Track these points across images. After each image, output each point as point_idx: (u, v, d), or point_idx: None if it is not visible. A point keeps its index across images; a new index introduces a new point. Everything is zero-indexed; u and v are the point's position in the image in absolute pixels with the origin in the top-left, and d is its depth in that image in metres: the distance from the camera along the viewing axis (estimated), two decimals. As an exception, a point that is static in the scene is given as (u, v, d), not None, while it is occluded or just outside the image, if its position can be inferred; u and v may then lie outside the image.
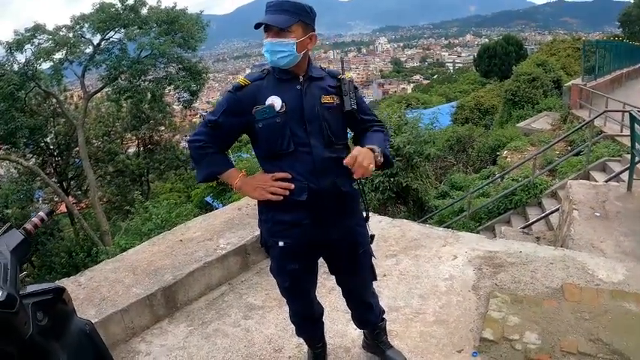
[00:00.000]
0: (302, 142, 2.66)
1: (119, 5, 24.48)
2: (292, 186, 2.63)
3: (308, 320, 3.21)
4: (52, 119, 27.09)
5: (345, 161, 2.56)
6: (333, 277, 3.16)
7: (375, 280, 3.18)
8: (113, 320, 3.82)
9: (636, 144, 6.74)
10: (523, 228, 10.78)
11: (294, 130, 2.64)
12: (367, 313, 3.24)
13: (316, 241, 2.82)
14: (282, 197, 2.64)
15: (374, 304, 3.24)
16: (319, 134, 2.69)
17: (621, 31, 62.91)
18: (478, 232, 11.03)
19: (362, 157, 2.55)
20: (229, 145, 2.89)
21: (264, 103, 2.62)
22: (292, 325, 3.30)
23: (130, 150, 32.68)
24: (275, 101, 2.62)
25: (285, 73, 2.68)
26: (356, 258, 2.98)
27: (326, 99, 2.72)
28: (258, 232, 4.82)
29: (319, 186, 2.66)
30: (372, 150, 2.63)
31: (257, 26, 2.61)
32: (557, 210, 9.51)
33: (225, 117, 2.68)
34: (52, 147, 28.13)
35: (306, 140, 2.66)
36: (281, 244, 2.78)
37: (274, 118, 2.61)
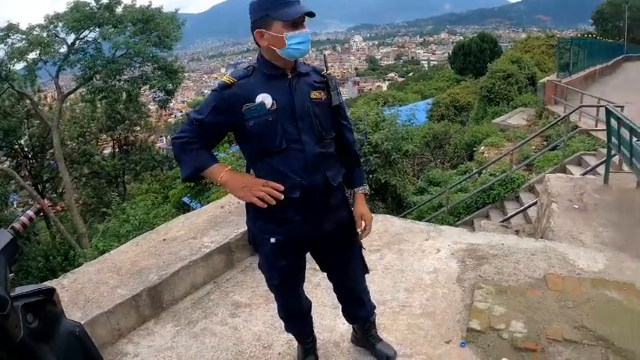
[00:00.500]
0: (294, 138, 2.64)
1: (94, 4, 24.18)
2: (282, 197, 2.61)
3: (297, 316, 3.20)
4: (26, 121, 26.85)
5: (359, 229, 2.97)
6: (320, 272, 3.18)
7: (367, 272, 3.20)
8: (99, 322, 3.76)
9: (612, 138, 6.84)
10: (502, 221, 10.88)
11: (286, 127, 2.62)
12: (359, 308, 3.26)
13: (308, 237, 2.83)
14: (265, 205, 2.60)
15: (366, 300, 3.26)
16: (310, 130, 2.69)
17: (594, 28, 63.68)
18: (457, 227, 11.10)
19: (369, 221, 3.00)
20: (215, 144, 2.84)
21: (254, 101, 2.57)
22: (281, 322, 3.30)
23: (105, 151, 32.48)
24: (265, 99, 2.58)
25: (275, 69, 2.64)
26: (348, 250, 3.00)
27: (315, 94, 2.72)
28: (242, 230, 4.84)
29: (311, 182, 2.66)
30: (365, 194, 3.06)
31: (311, 15, 2.58)
32: (535, 203, 9.61)
33: (213, 116, 2.61)
34: (26, 149, 27.86)
35: (297, 137, 2.64)
36: (272, 240, 2.76)
37: (266, 115, 2.57)
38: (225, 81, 2.62)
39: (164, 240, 5.00)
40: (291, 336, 3.45)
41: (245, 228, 4.87)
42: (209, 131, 2.66)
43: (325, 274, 3.17)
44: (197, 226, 5.26)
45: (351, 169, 3.00)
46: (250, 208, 2.81)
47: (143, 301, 4.10)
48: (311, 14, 2.59)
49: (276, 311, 3.24)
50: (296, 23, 2.55)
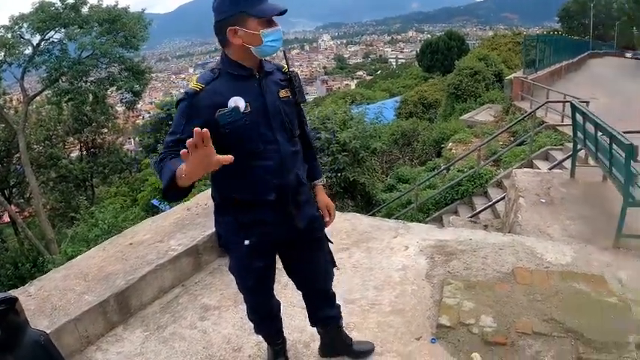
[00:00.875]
0: (269, 139, 2.61)
1: (59, 4, 23.84)
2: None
3: (267, 317, 3.17)
4: (-10, 124, 26.26)
5: (327, 218, 3.05)
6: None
7: (335, 266, 3.18)
8: (67, 330, 3.68)
9: (578, 132, 6.91)
10: (470, 217, 10.94)
11: (261, 129, 2.58)
12: (330, 308, 3.23)
13: (282, 237, 2.80)
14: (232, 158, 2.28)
15: (334, 298, 3.24)
16: (282, 130, 2.66)
17: (560, 25, 64.95)
18: (426, 223, 11.15)
19: (333, 209, 3.08)
20: None
21: (227, 106, 2.48)
22: (250, 324, 3.26)
23: (72, 154, 31.94)
24: (238, 102, 2.50)
25: (243, 69, 2.56)
26: (318, 245, 2.99)
27: (282, 93, 2.69)
28: (209, 232, 4.79)
29: (286, 182, 2.65)
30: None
31: (282, 13, 2.49)
32: (503, 198, 9.67)
33: (187, 131, 2.35)
34: (-9, 154, 27.26)
35: (273, 138, 2.62)
36: (247, 242, 2.71)
37: (242, 119, 2.49)
38: (193, 88, 2.50)
39: (131, 244, 4.90)
40: (260, 338, 3.42)
41: (212, 229, 4.84)
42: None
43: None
44: (164, 229, 5.18)
45: (311, 164, 3.01)
46: (221, 212, 2.78)
47: (111, 307, 4.02)
48: (285, 11, 2.52)
49: (246, 313, 3.20)
50: (270, 20, 2.51)
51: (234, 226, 2.73)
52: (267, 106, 2.59)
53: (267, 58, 2.68)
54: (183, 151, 2.04)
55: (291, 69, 2.77)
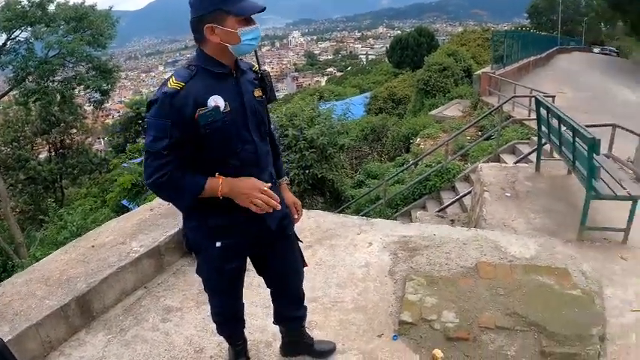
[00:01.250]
0: (247, 139, 2.57)
1: (26, 2, 23.55)
2: (278, 205, 2.54)
3: (233, 319, 3.14)
4: (-44, 126, 25.84)
5: (296, 215, 3.03)
6: (251, 272, 3.09)
7: (306, 265, 3.15)
8: (28, 336, 3.60)
9: (542, 127, 6.93)
10: (438, 211, 10.97)
11: (240, 129, 2.53)
12: (299, 308, 3.21)
13: (254, 238, 2.75)
14: (261, 211, 2.50)
15: (303, 297, 3.21)
16: (257, 129, 2.64)
17: (529, 22, 65.78)
18: (395, 219, 11.17)
19: (300, 205, 3.06)
20: (189, 159, 2.50)
21: (206, 105, 2.40)
22: (212, 325, 3.22)
23: (41, 155, 31.52)
24: (218, 101, 2.42)
25: (221, 67, 2.49)
26: (289, 243, 2.98)
27: (257, 92, 2.65)
28: (171, 232, 4.78)
29: (262, 181, 2.59)
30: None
31: (261, 11, 2.42)
32: (469, 192, 9.71)
33: (176, 132, 2.37)
34: (-42, 156, 26.82)
35: (250, 138, 2.58)
36: (218, 244, 2.66)
37: (222, 119, 2.43)
38: (173, 87, 2.38)
39: (93, 246, 4.80)
40: (222, 338, 3.37)
41: (175, 230, 4.74)
42: (182, 150, 2.43)
43: (255, 273, 3.08)
44: (126, 230, 5.09)
45: (277, 162, 2.98)
46: (191, 216, 2.70)
47: (72, 310, 3.94)
48: (264, 9, 2.46)
49: (208, 314, 3.16)
50: (249, 18, 2.44)
51: (205, 229, 2.67)
52: (245, 105, 2.54)
53: (241, 57, 2.61)
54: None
55: (262, 68, 2.74)
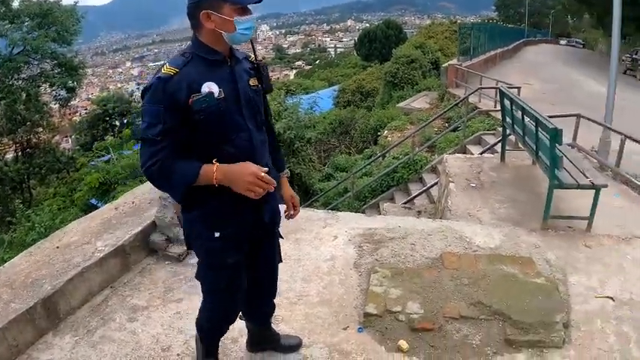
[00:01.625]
0: (242, 127, 2.55)
1: (-13, -2, 23.08)
2: (273, 187, 2.47)
3: (227, 323, 3.07)
4: None
5: (292, 211, 3.07)
6: None
7: (281, 261, 3.16)
8: (-5, 340, 3.57)
9: (506, 117, 6.98)
10: (405, 203, 11.02)
11: (234, 116, 2.51)
12: (271, 303, 3.21)
13: (250, 230, 2.72)
14: (257, 196, 2.44)
15: (275, 296, 3.21)
16: (252, 118, 2.61)
17: (497, 14, 66.45)
18: (364, 212, 11.19)
19: (298, 201, 3.09)
20: (184, 147, 2.47)
21: (200, 91, 2.38)
22: (179, 322, 3.23)
23: (7, 156, 30.91)
24: (212, 88, 2.41)
25: (216, 54, 2.49)
26: (274, 239, 3.00)
27: (252, 81, 2.64)
28: (136, 231, 4.75)
29: None
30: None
31: (259, 1, 2.44)
32: (436, 184, 9.76)
33: (170, 118, 2.35)
34: None
35: (245, 126, 2.56)
36: (217, 235, 2.62)
37: (216, 106, 2.41)
38: (167, 73, 2.37)
39: (57, 247, 4.74)
40: (188, 337, 3.40)
41: (140, 228, 4.76)
42: (176, 136, 2.40)
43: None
44: (91, 229, 5.02)
45: (275, 155, 2.95)
46: (188, 206, 2.65)
47: (38, 313, 3.88)
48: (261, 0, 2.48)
49: (175, 312, 3.11)
50: (245, 8, 2.45)
51: (202, 220, 2.63)
52: (239, 93, 2.53)
53: (236, 46, 2.61)
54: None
55: (259, 58, 2.72)
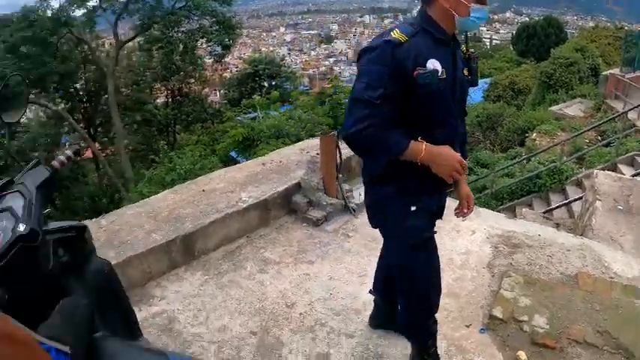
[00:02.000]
0: (451, 112, 2.51)
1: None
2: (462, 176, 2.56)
3: (437, 305, 3.00)
4: (82, 66, 27.16)
5: (465, 209, 2.89)
6: (352, 237, 3.06)
7: None
8: (131, 264, 3.85)
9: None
10: (544, 212, 10.71)
11: (447, 99, 2.45)
12: None
13: (437, 208, 2.79)
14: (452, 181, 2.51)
15: None
16: (460, 106, 2.61)
17: (669, 24, 61.70)
18: (499, 212, 10.99)
19: (472, 199, 2.90)
20: (397, 119, 2.40)
21: (425, 66, 2.31)
22: (306, 283, 3.33)
23: (158, 100, 32.62)
24: (437, 66, 2.33)
25: (444, 34, 2.43)
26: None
27: (465, 71, 2.58)
28: (281, 188, 4.94)
29: None
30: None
31: None
32: (580, 198, 9.42)
33: (392, 84, 2.28)
34: (81, 93, 28.25)
35: (453, 112, 2.53)
36: (413, 208, 2.57)
37: (437, 85, 2.33)
38: (397, 38, 2.30)
39: (203, 191, 5.05)
40: (314, 299, 3.50)
41: (284, 186, 4.95)
42: (393, 104, 2.33)
43: (355, 240, 3.05)
44: (237, 180, 5.29)
45: (463, 147, 2.84)
46: (385, 179, 2.58)
47: (176, 247, 4.19)
48: None
49: (304, 272, 3.14)
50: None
51: (400, 195, 2.58)
52: (456, 78, 2.48)
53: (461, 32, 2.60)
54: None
55: (471, 50, 2.65)
